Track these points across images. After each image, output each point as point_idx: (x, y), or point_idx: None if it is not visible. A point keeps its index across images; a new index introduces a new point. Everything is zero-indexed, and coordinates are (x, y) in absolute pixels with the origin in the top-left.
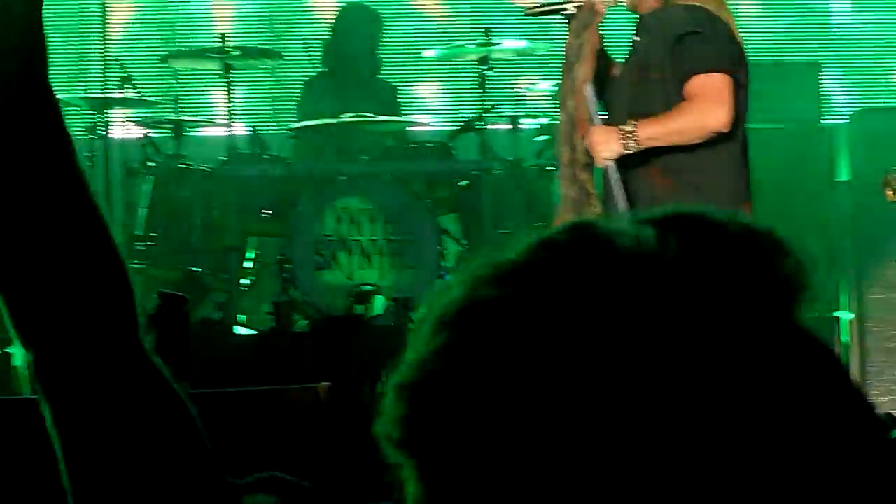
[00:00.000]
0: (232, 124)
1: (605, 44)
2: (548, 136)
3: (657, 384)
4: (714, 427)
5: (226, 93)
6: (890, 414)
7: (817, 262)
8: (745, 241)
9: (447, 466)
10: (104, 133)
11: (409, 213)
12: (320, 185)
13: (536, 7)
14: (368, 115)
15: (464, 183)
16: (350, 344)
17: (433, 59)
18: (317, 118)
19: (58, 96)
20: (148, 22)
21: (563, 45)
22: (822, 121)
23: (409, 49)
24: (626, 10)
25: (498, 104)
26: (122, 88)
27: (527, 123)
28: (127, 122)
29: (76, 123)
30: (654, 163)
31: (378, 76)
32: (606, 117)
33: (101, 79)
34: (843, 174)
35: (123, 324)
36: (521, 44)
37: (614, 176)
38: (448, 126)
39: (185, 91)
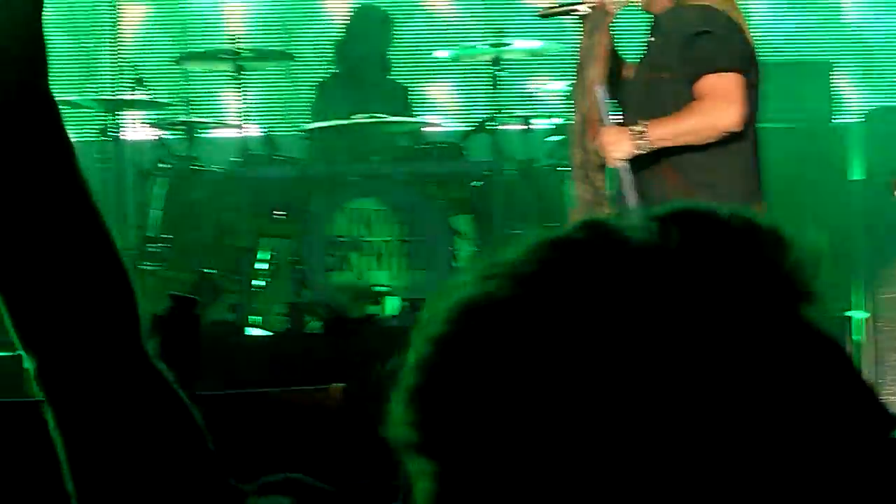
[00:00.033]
0: (244, 126)
1: (618, 44)
2: (560, 137)
3: (660, 382)
4: (716, 417)
5: (238, 94)
6: None
7: (823, 257)
8: (747, 236)
9: (466, 466)
10: (117, 135)
11: (422, 214)
12: (333, 187)
13: (550, 8)
14: (381, 115)
15: (476, 183)
16: (363, 345)
17: (445, 59)
18: (329, 120)
19: (70, 98)
20: (160, 23)
21: (576, 45)
22: (833, 120)
23: (421, 50)
24: (642, 11)
25: (510, 105)
26: (135, 90)
27: (539, 124)
28: (139, 124)
29: (88, 125)
30: (666, 163)
31: (389, 77)
32: (620, 118)
33: (114, 81)
34: (857, 173)
35: (126, 329)
36: (534, 44)
37: (626, 176)
38: (460, 127)
39: (197, 92)
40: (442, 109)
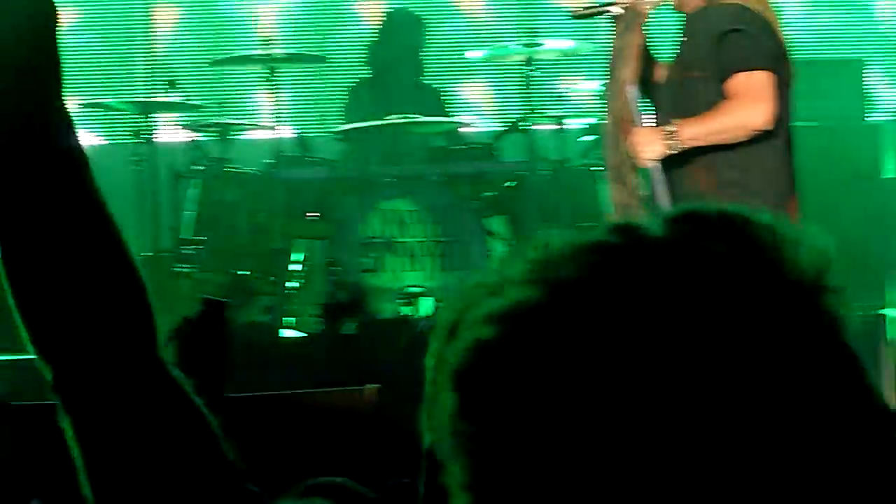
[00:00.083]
0: (277, 127)
1: (651, 45)
2: (593, 137)
3: (667, 381)
4: (713, 419)
5: (271, 96)
6: None
7: (832, 256)
8: (749, 234)
9: (512, 477)
10: (150, 137)
11: (456, 215)
12: (366, 188)
13: (583, 9)
14: (413, 116)
15: (510, 184)
16: (398, 345)
17: (478, 60)
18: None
19: (104, 101)
20: (192, 26)
21: (609, 45)
22: (866, 118)
23: (454, 50)
24: (674, 11)
25: (543, 105)
26: (168, 92)
27: (572, 124)
28: (173, 126)
29: (122, 128)
30: (698, 162)
31: (422, 79)
32: (653, 119)
33: (147, 83)
34: (890, 171)
35: (141, 339)
36: (566, 44)
37: (658, 177)
38: (493, 127)
39: (231, 94)
40: (475, 110)
